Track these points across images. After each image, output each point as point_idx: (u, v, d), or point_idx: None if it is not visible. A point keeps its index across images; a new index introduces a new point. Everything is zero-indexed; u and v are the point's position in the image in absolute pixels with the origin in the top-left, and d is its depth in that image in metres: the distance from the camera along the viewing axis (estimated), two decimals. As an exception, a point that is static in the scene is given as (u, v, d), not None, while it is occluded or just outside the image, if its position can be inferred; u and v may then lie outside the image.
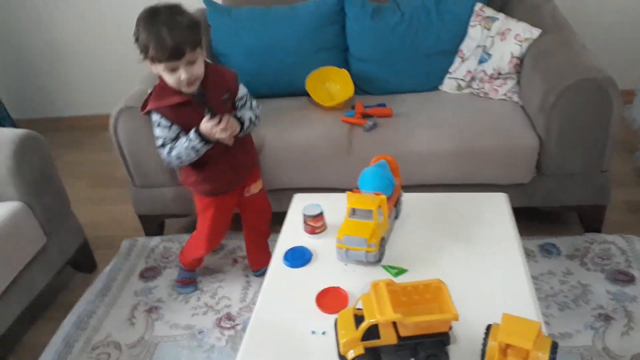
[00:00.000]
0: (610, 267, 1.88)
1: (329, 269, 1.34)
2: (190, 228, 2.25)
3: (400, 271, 1.29)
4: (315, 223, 1.46)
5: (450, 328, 1.04)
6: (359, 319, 1.04)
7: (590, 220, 2.07)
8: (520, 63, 2.08)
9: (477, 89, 2.19)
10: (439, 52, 2.26)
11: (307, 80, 2.26)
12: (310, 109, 2.26)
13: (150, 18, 1.43)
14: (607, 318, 1.69)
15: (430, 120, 2.04)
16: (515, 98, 2.09)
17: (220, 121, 1.48)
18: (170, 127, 1.53)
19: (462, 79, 2.23)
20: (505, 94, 2.11)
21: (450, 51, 2.25)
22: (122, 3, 2.91)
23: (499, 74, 2.11)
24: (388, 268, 1.31)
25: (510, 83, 2.10)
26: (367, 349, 1.00)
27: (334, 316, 1.13)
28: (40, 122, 3.22)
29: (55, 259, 1.95)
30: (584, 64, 1.82)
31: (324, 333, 1.13)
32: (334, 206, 1.47)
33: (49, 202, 1.90)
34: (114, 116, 1.97)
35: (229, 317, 1.84)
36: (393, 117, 2.11)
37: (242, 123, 1.59)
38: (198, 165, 1.61)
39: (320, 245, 1.42)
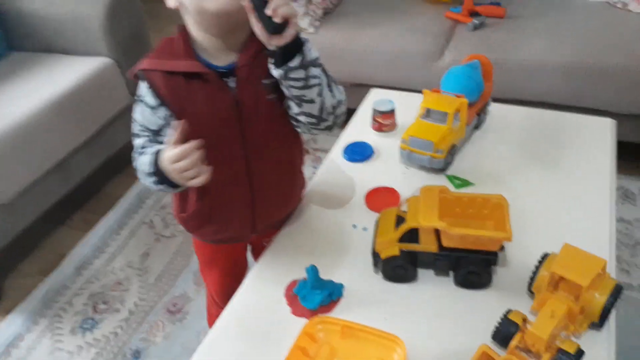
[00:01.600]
0: None
1: (389, 169, 1.25)
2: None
3: (465, 183, 1.17)
4: (384, 120, 1.35)
5: (502, 249, 0.92)
6: (401, 220, 0.96)
7: None
8: (678, -31, 1.70)
9: (616, -2, 1.84)
10: (578, -53, 1.91)
11: (416, -32, 2.03)
12: (415, 1, 2.04)
13: None
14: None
15: (548, 28, 1.76)
16: (661, 13, 1.73)
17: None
18: (155, 109, 0.89)
19: (599, -16, 1.88)
20: (649, 7, 1.75)
21: (592, -52, 1.89)
22: None
23: (648, -20, 1.74)
24: (452, 178, 1.19)
25: (660, -6, 1.73)
26: (403, 252, 0.92)
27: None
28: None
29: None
30: None
31: (365, 229, 1.07)
32: (411, 106, 1.34)
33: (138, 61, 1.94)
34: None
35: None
36: (505, 18, 1.85)
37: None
38: (195, 189, 0.96)
39: (385, 144, 1.32)
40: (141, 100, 0.90)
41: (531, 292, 0.88)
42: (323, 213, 1.14)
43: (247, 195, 0.99)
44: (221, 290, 1.21)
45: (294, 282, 0.97)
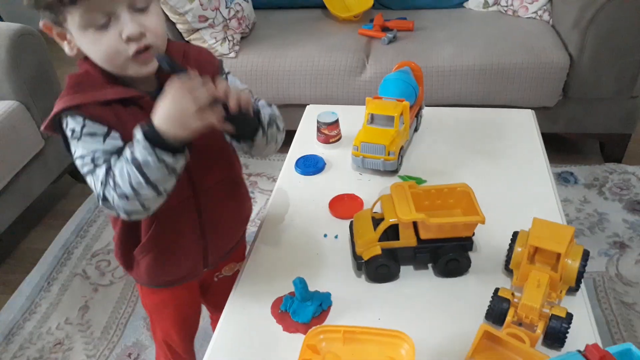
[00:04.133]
0: (629, 197, 1.82)
1: (343, 177, 1.26)
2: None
3: (419, 181, 1.21)
4: (330, 131, 1.37)
5: (474, 234, 0.97)
6: (376, 221, 0.97)
7: (612, 150, 1.98)
8: (555, -23, 1.93)
9: (505, 6, 2.04)
10: (466, -36, 2.10)
11: (323, -10, 2.11)
12: (325, 20, 2.13)
13: None
14: (622, 246, 1.64)
15: (453, 36, 1.91)
16: (546, 17, 1.95)
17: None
18: (106, 134, 0.78)
19: (489, -5, 2.08)
20: (535, 12, 1.96)
21: (479, -36, 2.09)
22: None
23: (531, -11, 1.96)
24: (406, 178, 1.23)
25: (542, 0, 1.95)
26: (384, 250, 0.94)
27: (347, 222, 1.07)
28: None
29: (53, 165, 1.88)
30: (628, -24, 1.67)
31: (336, 237, 1.07)
32: (349, 117, 1.38)
33: (47, 103, 1.80)
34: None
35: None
36: (414, 31, 1.98)
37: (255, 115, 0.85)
38: (138, 227, 0.91)
39: (334, 154, 1.34)
40: (83, 135, 0.78)
41: (508, 270, 0.93)
42: (291, 227, 1.13)
43: (195, 220, 0.93)
44: (179, 338, 1.13)
45: (279, 299, 0.94)
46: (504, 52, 1.79)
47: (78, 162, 0.79)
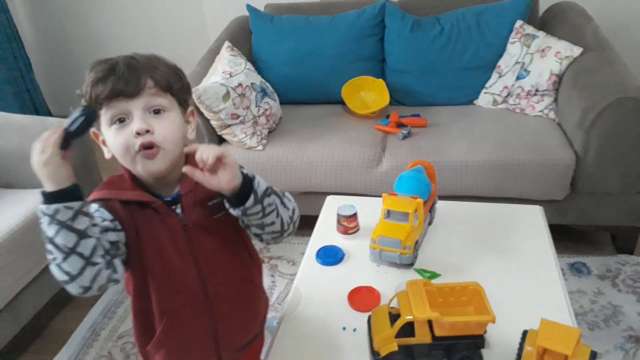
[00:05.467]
0: (644, 291, 1.84)
1: (361, 268, 1.34)
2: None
3: (433, 275, 1.29)
4: (349, 223, 1.47)
5: (485, 332, 1.03)
6: (393, 317, 1.04)
7: (623, 241, 2.03)
8: (559, 81, 2.07)
9: (514, 104, 2.19)
10: (476, 66, 2.27)
11: (344, 89, 2.29)
12: (345, 116, 2.29)
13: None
14: (637, 340, 1.65)
15: (465, 133, 2.04)
16: (552, 115, 2.08)
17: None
18: (112, 221, 0.89)
19: (498, 94, 2.23)
20: (542, 111, 2.10)
21: (488, 66, 2.26)
22: None
23: (537, 90, 2.10)
24: (421, 271, 1.30)
25: (548, 100, 2.09)
26: (400, 347, 0.99)
27: (365, 314, 1.13)
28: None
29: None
30: (626, 83, 1.80)
31: (355, 330, 1.13)
32: (366, 209, 1.48)
33: (88, 191, 1.94)
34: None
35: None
36: (427, 127, 2.12)
37: (248, 183, 0.89)
38: (152, 323, 0.97)
39: (353, 245, 1.42)
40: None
41: (519, 368, 0.98)
42: (310, 318, 1.19)
43: (206, 319, 0.98)
44: None
45: (300, 392, 0.99)
46: (513, 149, 1.90)
47: None
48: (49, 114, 3.19)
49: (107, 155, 0.92)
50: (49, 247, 0.79)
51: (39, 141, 0.79)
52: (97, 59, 0.88)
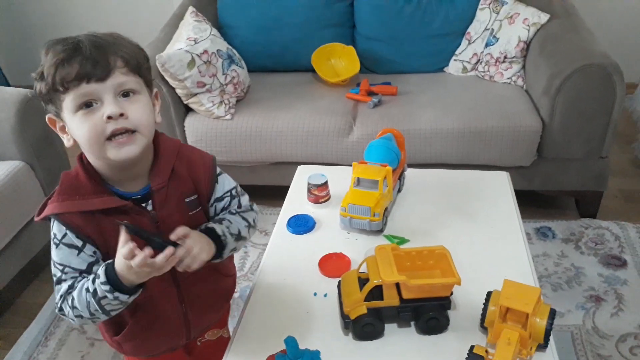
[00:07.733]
0: (604, 252, 1.91)
1: (332, 236, 1.35)
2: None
3: (402, 241, 1.31)
4: (319, 192, 1.47)
5: (451, 294, 1.05)
6: (362, 281, 1.05)
7: (587, 206, 2.10)
8: (527, 47, 2.09)
9: (482, 71, 2.20)
10: (446, 33, 2.27)
11: (313, 56, 2.26)
12: (315, 84, 2.27)
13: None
14: (597, 299, 1.72)
15: (434, 100, 2.05)
16: (520, 82, 2.10)
17: (161, 248, 0.80)
18: (80, 248, 0.86)
19: (467, 61, 2.24)
20: (510, 78, 2.12)
21: (458, 33, 2.26)
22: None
23: (505, 57, 2.12)
24: (390, 237, 1.32)
25: (516, 67, 2.11)
26: (369, 309, 1.01)
27: (336, 280, 1.15)
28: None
29: (54, 221, 1.95)
30: (591, 50, 1.83)
31: (325, 295, 1.14)
32: (337, 178, 1.48)
33: (51, 163, 1.90)
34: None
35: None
36: (398, 95, 2.12)
37: (219, 241, 0.93)
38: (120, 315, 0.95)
39: (324, 214, 1.43)
40: (61, 243, 0.86)
41: (483, 328, 1.01)
42: (282, 286, 1.20)
43: (175, 302, 1.00)
44: None
45: (271, 357, 1.00)
46: (481, 116, 1.93)
47: (52, 265, 0.89)
48: (7, 84, 3.08)
49: (68, 144, 0.85)
50: (88, 314, 0.85)
51: (146, 266, 0.79)
52: (53, 36, 0.81)
